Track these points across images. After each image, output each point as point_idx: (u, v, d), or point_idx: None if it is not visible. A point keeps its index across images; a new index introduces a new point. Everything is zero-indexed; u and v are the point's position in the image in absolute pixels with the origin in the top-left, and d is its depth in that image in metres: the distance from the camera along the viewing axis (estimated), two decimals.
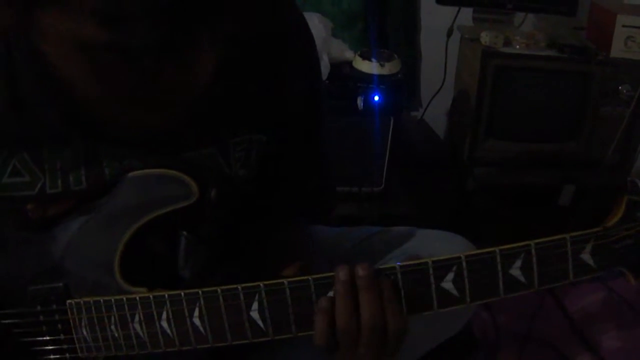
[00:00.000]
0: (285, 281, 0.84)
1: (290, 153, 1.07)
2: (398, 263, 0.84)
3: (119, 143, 0.90)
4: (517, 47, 2.14)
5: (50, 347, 0.96)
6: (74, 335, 0.94)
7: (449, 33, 2.40)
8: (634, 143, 2.28)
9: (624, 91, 2.13)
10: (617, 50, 2.10)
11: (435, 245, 1.19)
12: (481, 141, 2.18)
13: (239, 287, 0.85)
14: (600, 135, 2.20)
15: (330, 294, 0.84)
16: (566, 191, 2.17)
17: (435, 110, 2.51)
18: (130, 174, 0.91)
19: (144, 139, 0.91)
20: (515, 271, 0.82)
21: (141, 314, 0.89)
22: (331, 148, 1.17)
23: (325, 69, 1.86)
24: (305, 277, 0.83)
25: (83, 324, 0.92)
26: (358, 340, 0.84)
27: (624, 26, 2.08)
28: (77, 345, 0.94)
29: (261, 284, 0.84)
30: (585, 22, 2.34)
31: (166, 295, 0.88)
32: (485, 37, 2.12)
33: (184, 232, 0.93)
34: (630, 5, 2.28)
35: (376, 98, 1.87)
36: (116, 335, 0.91)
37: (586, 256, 0.82)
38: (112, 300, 0.90)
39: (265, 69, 0.97)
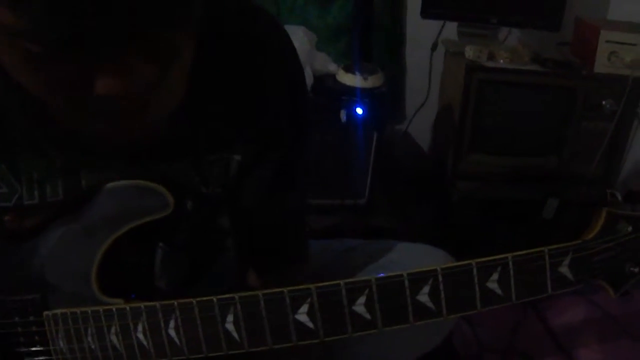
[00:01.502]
0: (260, 293, 0.83)
1: (266, 180, 1.05)
2: (380, 274, 0.83)
3: (95, 154, 0.90)
4: (501, 61, 2.15)
5: (27, 359, 0.95)
6: (51, 347, 0.93)
7: (434, 47, 2.41)
8: (617, 157, 2.29)
9: (607, 106, 2.14)
10: (601, 65, 2.12)
11: (416, 258, 1.19)
12: (465, 155, 2.19)
13: (214, 298, 0.84)
14: (583, 149, 2.21)
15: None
16: (550, 205, 2.17)
17: (419, 123, 2.52)
18: (108, 185, 0.90)
19: (117, 151, 0.90)
20: (493, 284, 0.81)
21: (117, 325, 0.88)
22: (309, 168, 1.14)
23: (308, 81, 1.86)
24: (281, 290, 0.83)
25: (60, 335, 0.92)
26: None
27: (607, 41, 2.09)
28: (53, 357, 0.94)
29: (236, 296, 0.83)
30: (570, 38, 2.35)
31: (142, 307, 0.87)
32: (470, 52, 2.13)
33: (161, 243, 0.92)
34: (614, 21, 2.29)
35: (359, 111, 1.88)
36: (93, 347, 0.90)
37: (564, 269, 0.82)
38: (89, 311, 0.89)
39: (243, 84, 0.96)
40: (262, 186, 1.05)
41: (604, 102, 2.14)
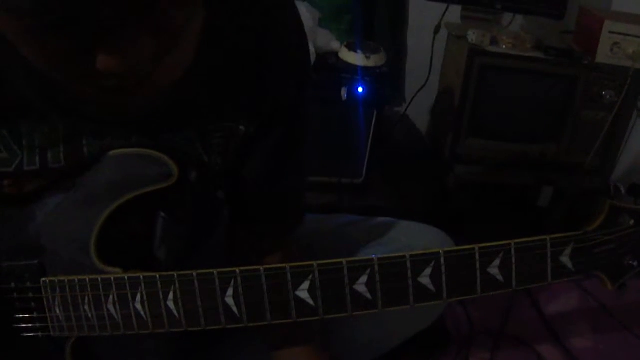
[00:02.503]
0: (261, 268, 0.83)
1: (267, 147, 1.05)
2: (374, 255, 0.83)
3: (99, 121, 0.89)
4: (504, 46, 2.14)
5: (23, 325, 0.95)
6: (47, 314, 0.93)
7: (437, 30, 2.40)
8: (614, 149, 2.29)
9: (607, 97, 2.14)
10: (603, 55, 2.11)
11: (416, 237, 1.19)
12: (463, 139, 2.18)
13: (214, 271, 0.84)
14: (581, 139, 2.21)
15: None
16: (545, 193, 2.18)
17: (418, 106, 2.51)
18: (111, 153, 0.90)
19: (120, 119, 0.90)
20: (494, 270, 0.81)
21: (115, 295, 0.88)
22: (310, 144, 1.14)
23: (311, 58, 1.85)
24: (282, 265, 0.83)
25: (57, 303, 0.91)
26: None
27: (610, 32, 2.08)
28: (49, 324, 0.93)
29: (237, 270, 0.83)
30: (573, 27, 2.34)
31: (141, 277, 0.87)
32: (472, 36, 2.12)
33: (162, 213, 0.92)
34: (618, 12, 2.29)
35: (360, 89, 1.88)
36: (89, 315, 0.90)
37: (565, 259, 0.82)
38: (87, 279, 0.89)
39: (249, 56, 0.95)
40: (264, 157, 1.05)
41: (604, 93, 2.14)
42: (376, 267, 0.82)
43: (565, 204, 2.17)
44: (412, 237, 1.20)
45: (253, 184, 1.08)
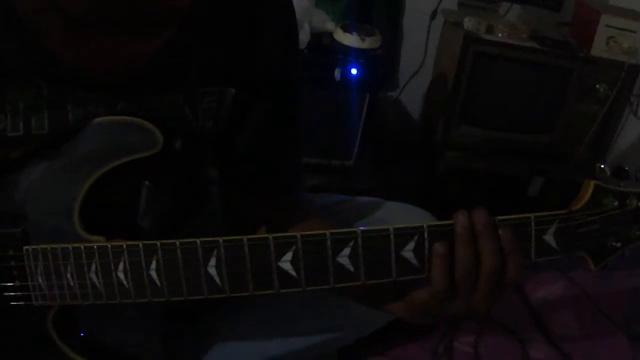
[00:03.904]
0: (244, 238, 0.82)
1: (260, 115, 1.06)
2: (360, 228, 0.83)
3: (85, 88, 0.89)
4: (500, 35, 2.13)
5: (5, 294, 0.94)
6: (29, 283, 0.92)
7: (433, 16, 2.40)
8: (606, 142, 2.29)
9: (601, 90, 2.14)
10: (598, 49, 2.11)
11: (403, 218, 1.19)
12: (455, 126, 2.18)
13: (197, 240, 0.84)
14: (573, 131, 2.21)
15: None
16: (535, 182, 2.18)
17: (412, 91, 2.51)
18: (95, 120, 0.89)
19: (109, 80, 0.89)
20: None
21: (98, 263, 0.88)
22: (302, 119, 1.14)
23: (305, 37, 1.86)
24: (265, 236, 0.82)
25: (39, 271, 0.91)
26: (476, 286, 0.83)
27: (607, 26, 2.08)
28: (31, 293, 0.93)
29: (220, 240, 0.83)
30: (570, 19, 2.34)
31: (124, 246, 0.86)
32: (468, 23, 2.11)
33: (146, 182, 0.92)
34: (615, 6, 2.29)
35: (354, 71, 1.88)
36: (72, 284, 0.90)
37: (549, 237, 0.82)
38: (70, 248, 0.88)
39: (239, 21, 0.96)
40: (257, 124, 1.05)
41: (598, 86, 2.14)
42: (359, 240, 0.82)
43: (555, 195, 2.17)
44: (398, 217, 1.20)
45: (245, 152, 1.08)
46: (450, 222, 0.82)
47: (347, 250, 0.82)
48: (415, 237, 0.81)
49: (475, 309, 0.86)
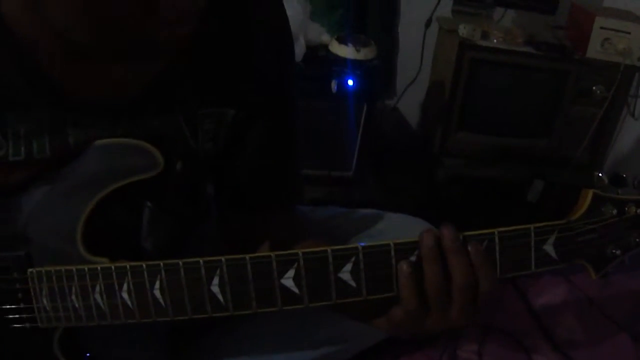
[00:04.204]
0: (247, 257, 0.83)
1: (260, 133, 1.06)
2: (359, 244, 0.83)
3: (85, 111, 0.89)
4: (495, 41, 2.14)
5: (11, 316, 0.94)
6: (34, 305, 0.92)
7: (428, 24, 2.41)
8: (604, 144, 2.30)
9: (598, 92, 2.14)
10: (594, 51, 2.12)
11: (403, 229, 1.19)
12: (453, 132, 2.19)
13: (200, 260, 0.84)
14: (571, 133, 2.21)
15: (412, 258, 0.82)
16: (535, 187, 2.18)
17: (409, 100, 2.52)
18: (96, 143, 0.90)
19: (109, 103, 0.90)
20: None
21: (102, 284, 0.88)
22: (300, 132, 1.15)
23: (301, 50, 1.86)
24: (268, 254, 0.82)
25: (44, 293, 0.91)
26: (450, 301, 0.83)
27: (601, 28, 2.10)
28: (37, 315, 0.93)
29: (222, 259, 0.83)
30: (565, 22, 2.35)
31: (128, 266, 0.86)
32: (463, 30, 2.12)
33: (148, 203, 0.92)
34: (609, 8, 2.29)
35: (350, 82, 1.89)
36: (77, 305, 0.90)
37: (549, 247, 0.82)
38: (74, 270, 0.88)
39: (236, 43, 0.97)
40: (255, 142, 1.06)
41: (594, 88, 2.15)
42: (360, 255, 0.82)
43: (555, 199, 2.17)
44: (399, 229, 1.20)
45: (244, 167, 1.08)
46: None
47: (349, 266, 0.82)
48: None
49: (452, 325, 0.86)
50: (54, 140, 0.89)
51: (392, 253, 0.82)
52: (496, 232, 0.82)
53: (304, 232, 1.11)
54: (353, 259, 0.82)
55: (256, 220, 1.12)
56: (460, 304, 0.83)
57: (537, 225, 0.82)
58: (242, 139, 1.05)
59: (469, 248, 0.82)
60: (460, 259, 0.81)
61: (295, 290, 0.83)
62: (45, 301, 0.91)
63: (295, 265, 0.82)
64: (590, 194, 0.83)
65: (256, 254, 0.83)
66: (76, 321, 0.91)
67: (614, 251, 0.84)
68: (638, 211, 0.84)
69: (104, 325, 0.91)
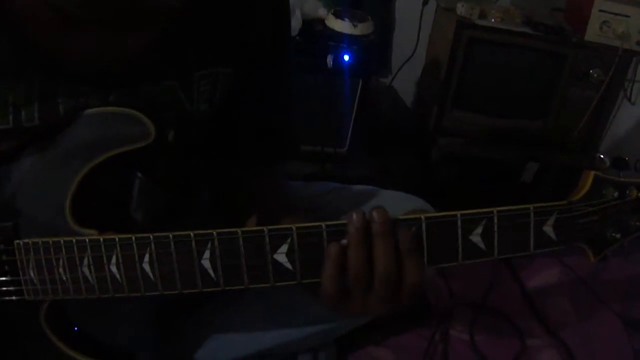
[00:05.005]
0: (239, 230, 0.81)
1: (256, 90, 1.06)
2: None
3: (77, 80, 0.88)
4: (493, 20, 2.12)
5: None
6: (21, 277, 0.91)
7: (425, 1, 2.39)
8: (600, 127, 2.29)
9: (595, 75, 2.13)
10: (592, 34, 2.10)
11: (399, 206, 1.18)
12: (448, 111, 2.17)
13: (191, 233, 0.83)
14: (567, 116, 2.20)
15: (344, 241, 0.80)
16: (529, 168, 2.18)
17: (404, 78, 2.51)
18: (86, 112, 0.88)
19: (102, 71, 0.88)
20: (476, 237, 0.80)
21: (90, 257, 0.87)
22: (296, 94, 1.15)
23: (297, 24, 1.85)
24: (260, 228, 0.81)
25: (31, 265, 0.90)
26: (370, 290, 0.81)
27: (600, 11, 2.08)
28: (23, 287, 0.92)
29: (214, 232, 0.82)
30: (564, 4, 2.34)
31: (117, 239, 0.85)
32: (461, 8, 2.10)
33: (139, 174, 0.91)
34: None
35: (346, 58, 1.87)
36: (64, 278, 0.89)
37: (548, 229, 0.81)
38: (62, 241, 0.87)
39: (233, 5, 0.96)
40: (252, 97, 1.06)
41: (592, 71, 2.13)
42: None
43: (549, 180, 2.17)
44: (394, 206, 1.19)
45: (238, 127, 1.08)
46: (448, 213, 0.81)
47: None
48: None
49: (373, 311, 0.84)
50: (44, 108, 0.88)
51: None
52: (495, 212, 0.80)
53: (289, 203, 1.10)
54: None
55: (246, 176, 1.10)
56: (380, 294, 0.81)
57: (537, 205, 0.81)
58: (237, 99, 1.04)
59: (398, 233, 0.79)
60: (386, 245, 0.79)
61: (288, 265, 0.82)
62: (32, 273, 0.90)
63: (289, 240, 0.81)
64: (591, 175, 0.82)
65: (248, 228, 0.81)
66: (63, 294, 0.91)
67: (614, 234, 0.83)
68: (639, 195, 0.83)
69: (91, 299, 0.90)
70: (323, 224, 0.81)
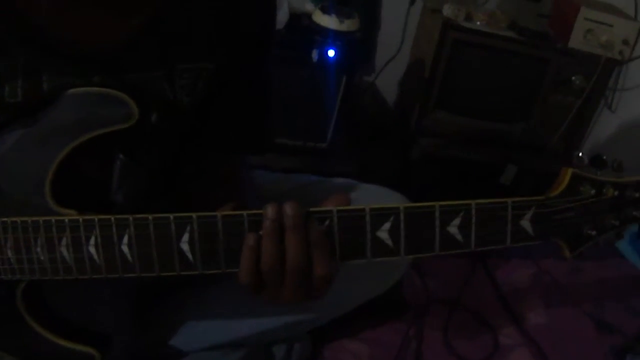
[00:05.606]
0: (218, 214, 0.81)
1: (236, 84, 1.06)
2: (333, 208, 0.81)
3: (63, 58, 0.87)
4: (478, 23, 2.13)
5: None
6: None
7: (412, 1, 2.39)
8: (580, 133, 2.31)
9: (577, 82, 2.15)
10: (576, 41, 2.12)
11: (377, 199, 1.19)
12: (430, 111, 2.18)
13: (170, 216, 0.82)
14: (548, 121, 2.22)
15: (261, 231, 0.81)
16: (509, 171, 2.19)
17: (387, 77, 2.50)
18: (70, 91, 0.88)
19: (89, 53, 0.88)
20: (453, 229, 0.81)
21: (69, 237, 0.86)
22: (274, 89, 1.15)
23: (284, 17, 1.85)
24: (240, 212, 0.81)
25: (8, 244, 0.89)
26: (283, 281, 0.82)
27: (585, 19, 2.09)
28: (0, 267, 0.91)
29: (194, 215, 0.82)
30: (549, 10, 2.35)
31: (96, 219, 0.85)
32: (448, 9, 2.11)
33: (121, 155, 0.90)
34: (594, 0, 2.30)
35: (331, 53, 1.88)
36: (42, 258, 0.88)
37: (526, 223, 0.82)
38: (40, 221, 0.87)
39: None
40: (232, 91, 1.05)
41: (574, 78, 2.15)
42: (335, 219, 0.81)
43: (527, 184, 2.19)
44: (372, 200, 1.20)
45: (217, 118, 1.07)
46: (427, 204, 0.81)
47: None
48: (391, 218, 0.81)
49: (286, 301, 0.85)
50: (27, 85, 0.88)
51: (367, 218, 0.81)
52: (473, 204, 0.81)
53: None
54: (327, 222, 0.81)
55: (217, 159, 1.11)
56: (292, 283, 0.82)
57: (515, 199, 0.82)
58: (218, 93, 1.03)
59: (308, 226, 0.80)
60: (297, 237, 0.80)
61: None
62: (9, 253, 0.90)
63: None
64: (569, 172, 0.83)
65: (228, 212, 0.81)
66: (41, 275, 0.90)
67: (589, 232, 0.84)
68: (616, 193, 0.84)
69: (69, 280, 0.89)
70: (310, 210, 0.81)
